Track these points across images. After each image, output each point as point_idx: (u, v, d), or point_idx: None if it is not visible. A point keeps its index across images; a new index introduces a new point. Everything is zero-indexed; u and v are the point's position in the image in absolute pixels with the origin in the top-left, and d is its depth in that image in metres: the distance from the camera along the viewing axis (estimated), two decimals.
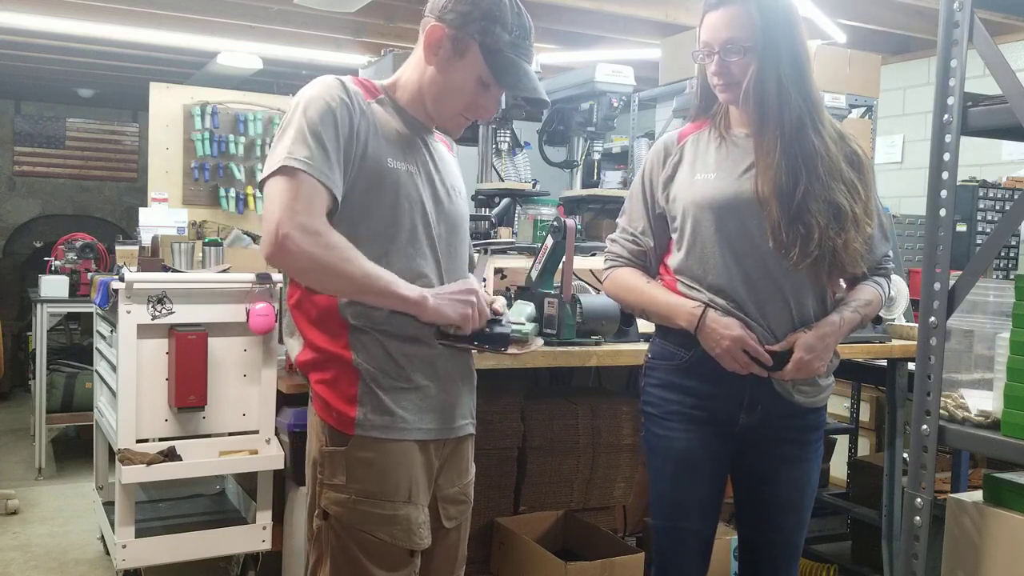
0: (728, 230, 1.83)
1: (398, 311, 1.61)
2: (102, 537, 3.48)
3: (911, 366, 2.87)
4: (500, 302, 1.75)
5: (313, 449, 1.68)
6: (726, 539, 2.69)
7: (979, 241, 4.82)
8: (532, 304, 1.88)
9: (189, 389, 2.64)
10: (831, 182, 1.80)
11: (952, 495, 1.79)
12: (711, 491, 1.94)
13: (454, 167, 1.83)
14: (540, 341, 1.82)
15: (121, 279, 2.61)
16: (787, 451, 1.92)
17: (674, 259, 1.92)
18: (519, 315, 1.79)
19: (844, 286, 1.95)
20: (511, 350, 1.71)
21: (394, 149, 1.65)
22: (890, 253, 2.00)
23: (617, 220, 2.06)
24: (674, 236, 1.93)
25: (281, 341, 2.57)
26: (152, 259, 3.41)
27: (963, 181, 5.01)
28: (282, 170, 1.53)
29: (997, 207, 4.96)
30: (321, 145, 1.55)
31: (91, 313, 4.01)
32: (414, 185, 1.66)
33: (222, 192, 5.56)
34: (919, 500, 1.77)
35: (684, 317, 1.85)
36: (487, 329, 1.67)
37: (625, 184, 4.16)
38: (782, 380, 1.85)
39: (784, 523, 1.95)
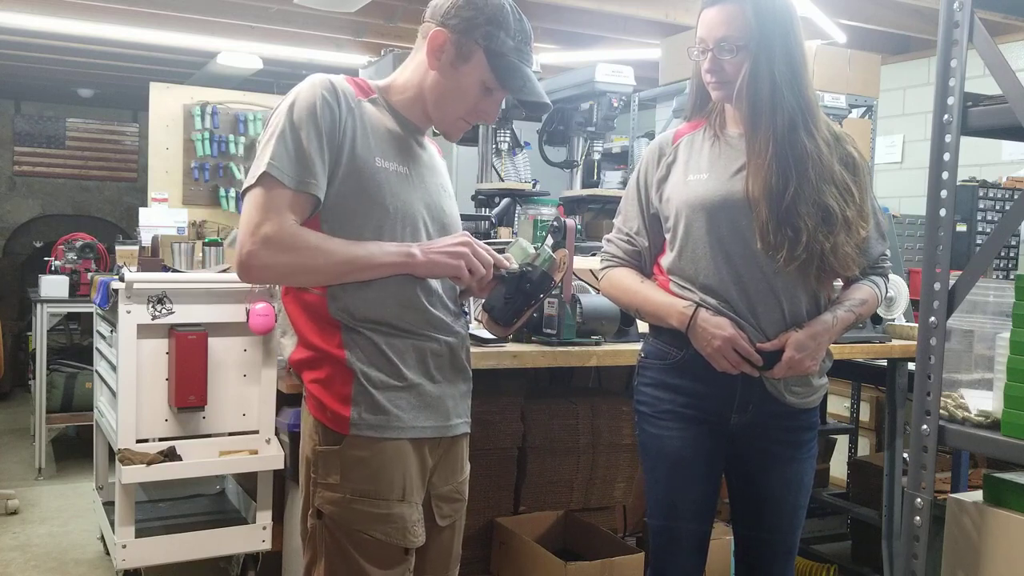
0: (720, 230, 1.84)
1: (392, 280, 1.61)
2: (102, 537, 3.49)
3: (911, 366, 2.87)
4: (504, 257, 1.71)
5: (306, 448, 1.68)
6: (726, 539, 2.68)
7: (979, 241, 4.82)
8: (522, 238, 1.83)
9: (189, 389, 2.64)
10: (821, 184, 1.79)
11: (952, 495, 1.79)
12: (705, 490, 1.94)
13: (444, 170, 1.84)
14: (561, 252, 1.77)
15: (121, 279, 2.61)
16: (779, 451, 1.92)
17: (667, 259, 1.93)
18: (522, 253, 1.73)
19: (840, 285, 1.95)
20: (556, 276, 1.69)
21: (384, 148, 1.65)
22: (887, 252, 1.99)
23: (614, 220, 2.07)
24: (667, 236, 1.93)
25: None
26: (152, 259, 3.42)
27: (963, 181, 5.01)
28: (259, 181, 1.55)
29: (997, 207, 4.96)
30: (300, 149, 1.55)
31: (91, 313, 4.01)
32: (404, 185, 1.65)
33: (222, 192, 5.57)
34: (919, 500, 1.77)
35: (676, 317, 1.86)
36: (514, 281, 1.66)
37: (625, 184, 4.16)
38: (773, 379, 1.86)
39: (778, 523, 1.95)
